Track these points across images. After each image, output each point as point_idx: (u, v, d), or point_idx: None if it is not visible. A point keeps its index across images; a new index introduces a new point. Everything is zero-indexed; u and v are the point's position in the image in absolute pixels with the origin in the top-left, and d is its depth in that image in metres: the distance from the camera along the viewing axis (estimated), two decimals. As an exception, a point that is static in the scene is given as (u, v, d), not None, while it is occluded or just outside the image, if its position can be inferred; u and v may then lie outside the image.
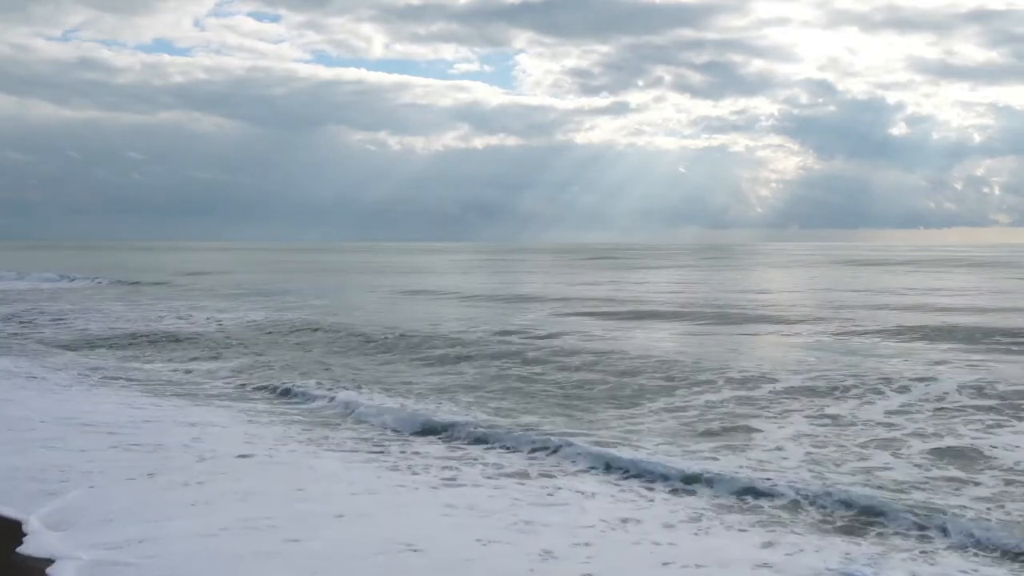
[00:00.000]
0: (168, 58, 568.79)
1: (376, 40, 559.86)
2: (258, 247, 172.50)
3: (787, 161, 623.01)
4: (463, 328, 22.01)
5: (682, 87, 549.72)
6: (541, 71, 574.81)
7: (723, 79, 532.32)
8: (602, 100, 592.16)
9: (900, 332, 20.26)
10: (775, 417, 11.50)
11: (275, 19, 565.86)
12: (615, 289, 39.84)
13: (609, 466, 9.08)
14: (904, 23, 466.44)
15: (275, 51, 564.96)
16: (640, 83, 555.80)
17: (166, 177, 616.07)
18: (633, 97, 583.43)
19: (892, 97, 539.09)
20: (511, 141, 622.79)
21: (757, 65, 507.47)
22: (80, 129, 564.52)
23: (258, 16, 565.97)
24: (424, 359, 17.30)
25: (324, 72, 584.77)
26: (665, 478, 8.60)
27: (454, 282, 46.24)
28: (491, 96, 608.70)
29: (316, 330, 21.95)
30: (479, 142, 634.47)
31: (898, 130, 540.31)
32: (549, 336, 20.43)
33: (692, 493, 8.22)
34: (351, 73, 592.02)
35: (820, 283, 44.31)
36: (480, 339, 19.76)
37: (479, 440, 10.36)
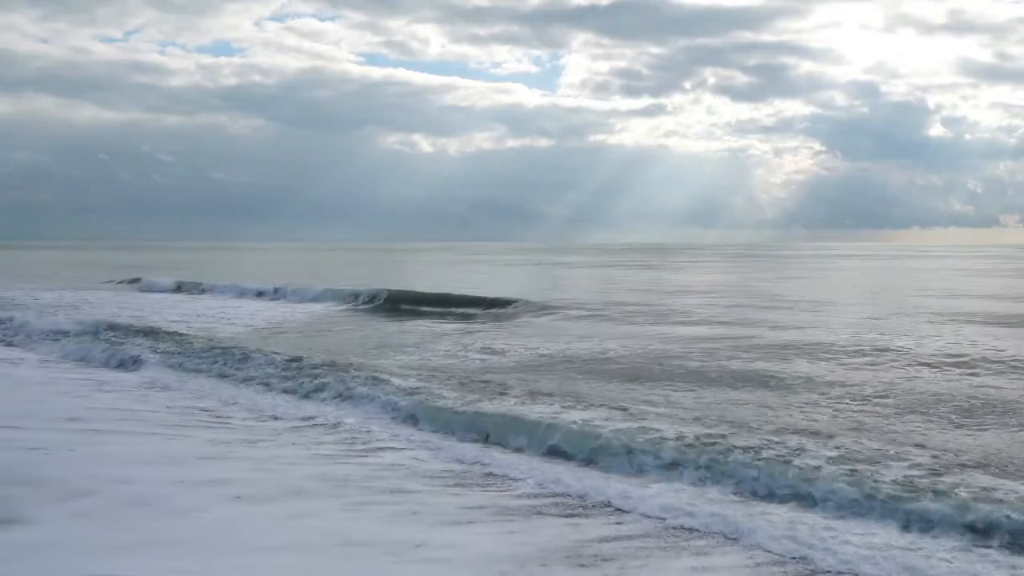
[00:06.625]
0: (224, 60, 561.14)
1: (434, 41, 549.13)
2: (264, 247, 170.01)
3: (823, 163, 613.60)
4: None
5: (724, 90, 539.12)
6: (587, 72, 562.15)
7: (768, 81, 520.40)
8: (638, 102, 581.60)
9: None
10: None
11: (335, 19, 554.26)
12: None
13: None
14: (963, 26, 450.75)
15: (330, 52, 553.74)
16: (687, 85, 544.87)
17: (197, 179, 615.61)
18: (671, 100, 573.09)
19: (932, 100, 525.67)
20: (543, 143, 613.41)
21: (806, 67, 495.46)
22: (120, 131, 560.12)
23: (319, 16, 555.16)
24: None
25: (375, 73, 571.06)
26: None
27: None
28: (529, 98, 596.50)
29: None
30: (513, 143, 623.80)
31: (935, 131, 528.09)
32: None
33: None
34: (401, 74, 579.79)
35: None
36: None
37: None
